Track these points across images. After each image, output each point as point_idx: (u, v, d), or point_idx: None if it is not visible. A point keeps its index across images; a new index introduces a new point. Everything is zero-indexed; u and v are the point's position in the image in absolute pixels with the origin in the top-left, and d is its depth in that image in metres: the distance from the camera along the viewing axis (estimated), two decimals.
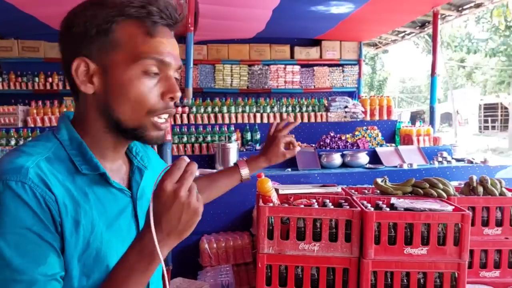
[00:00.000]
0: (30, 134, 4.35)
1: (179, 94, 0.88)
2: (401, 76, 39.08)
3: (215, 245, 3.21)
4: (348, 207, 1.80)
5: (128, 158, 1.01)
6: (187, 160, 0.77)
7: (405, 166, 3.82)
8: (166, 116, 0.89)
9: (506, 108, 23.30)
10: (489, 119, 26.76)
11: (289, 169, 3.88)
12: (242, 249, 3.26)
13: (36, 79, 5.83)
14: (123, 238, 0.89)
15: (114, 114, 0.85)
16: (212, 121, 4.58)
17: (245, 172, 1.48)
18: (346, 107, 4.84)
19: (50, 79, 5.88)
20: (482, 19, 16.45)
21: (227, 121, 4.62)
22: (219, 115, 4.63)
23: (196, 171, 0.76)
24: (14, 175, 0.75)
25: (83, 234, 0.81)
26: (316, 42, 6.56)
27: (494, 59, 18.35)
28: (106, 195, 0.89)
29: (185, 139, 4.24)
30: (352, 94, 6.41)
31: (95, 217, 0.84)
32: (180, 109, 4.53)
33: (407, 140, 4.54)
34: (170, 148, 2.62)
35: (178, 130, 4.26)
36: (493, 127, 26.31)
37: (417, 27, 6.53)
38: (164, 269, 0.84)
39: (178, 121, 4.48)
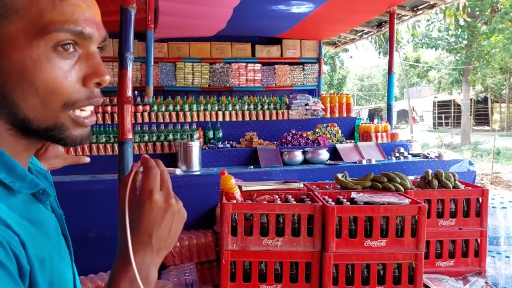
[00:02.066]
0: None
1: (107, 77, 0.64)
2: (359, 75, 40.08)
3: (178, 244, 3.19)
4: (310, 202, 1.83)
5: None
6: (147, 157, 0.67)
7: (364, 162, 3.93)
8: (90, 108, 0.66)
9: (458, 105, 24.38)
10: (443, 115, 27.92)
11: (252, 166, 3.90)
12: (206, 247, 3.26)
13: None
14: (67, 262, 0.70)
15: (19, 110, 0.60)
16: (174, 119, 4.53)
17: None
18: (307, 104, 4.92)
19: None
20: (433, 19, 17.18)
21: (189, 119, 4.58)
22: (181, 114, 4.59)
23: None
24: None
25: (50, 270, 0.62)
26: (277, 41, 6.61)
27: (449, 58, 19.17)
28: (46, 217, 0.67)
29: (146, 138, 4.17)
30: (312, 92, 6.51)
31: (48, 247, 0.64)
32: (141, 107, 4.45)
33: (366, 136, 4.67)
34: (131, 147, 2.57)
35: (139, 128, 4.19)
36: (447, 124, 27.48)
37: (375, 27, 6.71)
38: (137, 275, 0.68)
39: (139, 120, 4.40)
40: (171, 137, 4.22)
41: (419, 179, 2.28)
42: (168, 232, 0.65)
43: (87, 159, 1.27)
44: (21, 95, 0.59)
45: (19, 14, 0.57)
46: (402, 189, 2.03)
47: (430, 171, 2.20)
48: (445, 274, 2.06)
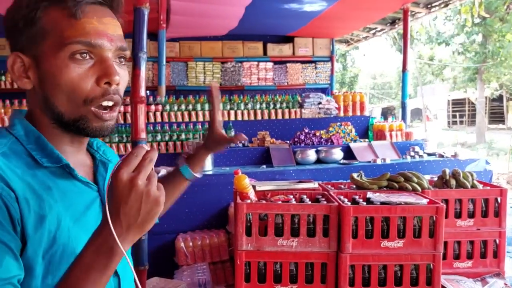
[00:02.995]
0: None
1: (116, 77, 0.80)
2: (372, 73, 39.78)
3: (191, 244, 3.18)
4: (325, 202, 1.80)
5: (90, 154, 0.97)
6: (146, 147, 0.72)
7: (379, 161, 3.88)
8: (109, 103, 0.82)
9: (473, 103, 24.04)
10: (457, 114, 27.56)
11: (264, 166, 3.88)
12: (219, 247, 3.24)
13: (3, 77, 5.62)
14: (86, 230, 0.82)
15: (54, 107, 0.81)
16: (186, 119, 4.53)
17: (185, 169, 1.26)
18: (320, 103, 4.88)
19: None
20: (449, 16, 16.92)
21: (201, 118, 4.57)
22: (193, 113, 4.58)
23: (155, 158, 0.71)
24: None
25: (48, 229, 0.76)
26: (289, 39, 6.58)
27: (462, 55, 18.89)
28: (71, 189, 0.84)
29: (158, 137, 4.18)
30: (325, 91, 6.46)
31: (61, 211, 0.79)
32: (153, 107, 4.46)
33: (380, 135, 4.61)
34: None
35: (151, 128, 4.19)
36: (461, 122, 27.12)
37: (388, 24, 6.64)
38: (133, 270, 0.76)
39: (152, 119, 4.41)
40: (183, 136, 4.22)
41: (436, 179, 2.23)
42: (137, 211, 0.69)
43: (243, 137, 1.35)
44: (54, 95, 0.79)
45: (49, 34, 0.78)
46: (419, 189, 1.99)
47: (447, 171, 2.15)
48: (463, 275, 2.02)
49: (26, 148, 0.81)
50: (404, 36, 5.31)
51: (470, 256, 2.04)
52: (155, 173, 0.71)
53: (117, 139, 4.10)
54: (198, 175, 1.27)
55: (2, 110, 4.48)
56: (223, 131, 1.30)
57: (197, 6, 4.67)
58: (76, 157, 0.89)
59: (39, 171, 0.80)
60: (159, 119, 4.45)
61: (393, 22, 6.56)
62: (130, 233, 0.70)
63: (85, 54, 0.78)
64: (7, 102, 4.59)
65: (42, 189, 0.78)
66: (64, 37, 0.77)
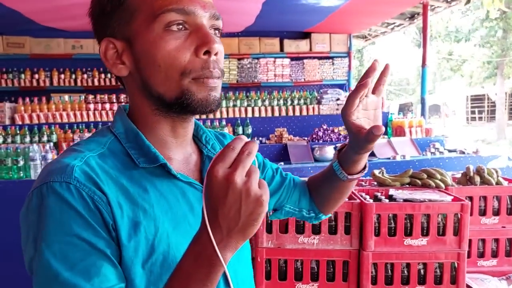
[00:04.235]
0: (18, 132, 4.27)
1: (215, 45, 0.71)
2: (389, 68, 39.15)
3: None
4: (347, 199, 1.78)
5: (199, 149, 0.88)
6: (245, 139, 0.61)
7: (398, 158, 3.83)
8: (209, 75, 0.73)
9: (492, 99, 23.56)
10: (476, 110, 27.06)
11: (282, 163, 3.87)
12: None
13: (22, 75, 5.71)
14: (187, 236, 0.71)
15: (153, 88, 0.73)
16: (203, 116, 4.53)
17: (336, 167, 1.00)
18: (338, 99, 4.83)
19: (36, 76, 5.76)
20: (468, 11, 16.60)
21: (218, 116, 4.58)
22: None
23: (255, 150, 0.60)
24: (58, 176, 0.66)
25: (145, 237, 0.69)
26: (306, 35, 6.52)
27: (482, 50, 18.53)
28: (171, 190, 0.76)
29: None
30: (342, 87, 6.40)
31: (158, 216, 0.72)
32: None
33: (399, 131, 4.55)
34: None
35: None
36: (480, 118, 26.62)
37: (407, 19, 6.53)
38: (229, 277, 0.66)
39: None
40: None
41: (458, 176, 2.18)
42: (237, 213, 0.59)
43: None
44: (151, 75, 0.72)
45: (139, 10, 0.72)
46: (442, 185, 1.95)
47: (471, 167, 2.10)
48: (488, 274, 1.97)
49: (124, 146, 0.76)
50: (424, 30, 5.22)
51: (495, 255, 1.99)
52: (257, 168, 0.61)
53: None
54: (350, 177, 0.98)
55: (22, 108, 4.56)
56: (359, 120, 0.90)
57: (213, 2, 4.65)
58: (180, 151, 0.82)
59: (136, 171, 0.74)
60: None
61: (412, 17, 6.45)
62: (232, 239, 0.60)
63: (180, 25, 0.71)
64: (27, 99, 4.66)
65: (138, 192, 0.71)
66: (155, 8, 0.71)
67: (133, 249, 0.68)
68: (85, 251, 0.63)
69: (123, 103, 4.57)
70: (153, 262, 0.69)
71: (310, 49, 6.48)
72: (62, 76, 5.79)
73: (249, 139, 0.62)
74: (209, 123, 4.30)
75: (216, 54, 0.73)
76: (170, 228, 0.72)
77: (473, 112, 27.39)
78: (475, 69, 22.08)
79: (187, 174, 0.80)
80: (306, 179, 1.13)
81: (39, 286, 0.63)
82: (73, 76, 5.84)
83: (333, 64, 6.56)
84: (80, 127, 4.25)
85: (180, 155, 0.82)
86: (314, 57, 6.47)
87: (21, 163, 3.15)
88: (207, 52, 0.72)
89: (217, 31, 0.77)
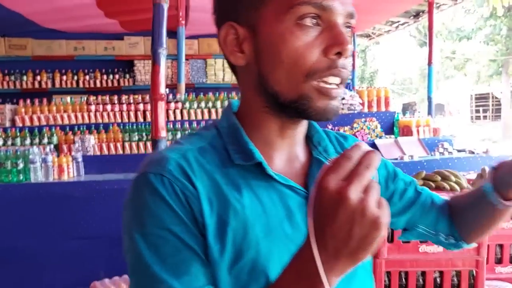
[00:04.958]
0: (18, 134, 4.21)
1: (349, 47, 0.64)
2: (392, 68, 39.21)
3: None
4: None
5: (309, 149, 0.78)
6: (365, 147, 0.52)
7: (406, 158, 3.73)
8: (335, 80, 0.66)
9: (497, 97, 23.41)
10: (481, 109, 26.91)
11: None
12: None
13: (24, 77, 5.67)
14: (292, 251, 0.61)
15: (269, 85, 0.67)
16: (206, 116, 4.47)
17: (488, 189, 0.82)
18: (343, 99, 4.75)
19: (38, 77, 5.72)
20: (471, 9, 16.48)
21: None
22: (213, 110, 4.51)
23: (377, 163, 0.51)
24: (154, 167, 0.65)
25: (233, 239, 0.63)
26: None
27: (488, 48, 18.40)
28: (268, 193, 0.68)
29: (178, 135, 4.12)
30: (346, 86, 6.31)
31: (250, 219, 0.65)
32: (172, 104, 4.40)
33: (406, 131, 4.46)
34: (166, 145, 2.50)
35: (171, 126, 4.14)
36: (485, 117, 26.46)
37: (412, 17, 6.45)
38: None
39: (171, 117, 4.36)
40: None
41: (473, 177, 2.10)
42: (348, 234, 0.50)
43: None
44: (271, 70, 0.66)
45: None
46: (457, 188, 1.87)
47: (487, 168, 2.02)
48: (506, 281, 1.89)
49: (225, 142, 0.71)
50: (429, 29, 5.13)
51: None
52: (377, 184, 0.51)
53: (137, 138, 4.06)
54: (508, 203, 0.81)
55: (23, 110, 4.49)
56: None
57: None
58: (286, 151, 0.74)
59: (232, 168, 0.68)
60: (178, 117, 4.40)
61: (417, 15, 6.36)
62: (339, 262, 0.52)
63: (314, 20, 0.64)
64: (28, 101, 4.60)
65: (230, 190, 0.66)
66: None
67: (219, 251, 0.63)
68: (176, 246, 0.61)
69: (125, 104, 4.55)
70: (240, 268, 0.64)
71: None
72: (64, 77, 5.75)
73: (370, 148, 0.52)
74: None
75: (346, 57, 0.66)
76: (261, 234, 0.65)
77: (477, 111, 27.23)
78: (480, 67, 21.95)
79: (291, 176, 0.72)
80: (447, 197, 0.98)
81: (131, 274, 0.64)
82: (75, 78, 5.79)
83: None
84: (81, 128, 4.18)
85: (285, 155, 0.74)
86: None
87: (21, 165, 3.08)
88: (338, 54, 0.64)
89: (348, 30, 0.70)
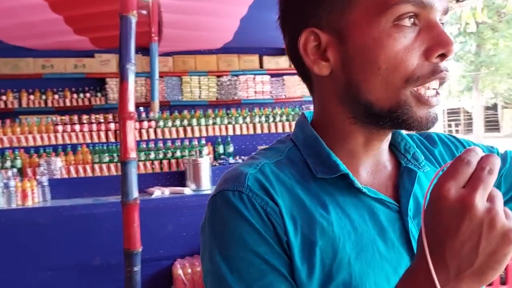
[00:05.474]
0: None
1: (453, 47, 0.57)
2: None
3: (190, 270, 2.96)
4: None
5: (396, 158, 0.72)
6: (480, 151, 0.46)
7: None
8: (435, 85, 0.60)
9: (468, 112, 24.03)
10: (453, 123, 27.58)
11: None
12: None
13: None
14: (387, 272, 0.60)
15: (361, 95, 0.60)
16: (181, 135, 4.32)
17: None
18: None
19: (4, 97, 5.46)
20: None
21: (197, 134, 4.38)
22: (189, 129, 4.38)
23: (498, 167, 0.45)
24: (232, 184, 0.60)
25: (321, 260, 0.58)
26: (285, 51, 6.42)
27: (458, 64, 18.94)
28: (356, 208, 0.62)
29: (152, 155, 3.96)
30: None
31: (339, 237, 0.59)
32: (146, 123, 4.24)
33: None
34: (135, 167, 2.34)
35: (144, 146, 3.97)
36: (457, 131, 27.11)
37: None
38: None
39: (144, 137, 4.19)
40: (178, 154, 4.01)
41: None
42: (473, 249, 0.43)
43: None
44: (364, 78, 0.59)
45: None
46: None
47: None
48: None
49: (303, 154, 0.66)
50: None
51: None
52: (499, 192, 0.45)
53: (107, 159, 3.87)
54: None
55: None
56: None
57: (190, 19, 4.51)
58: (372, 162, 0.68)
59: (314, 182, 0.63)
60: (152, 136, 4.24)
61: None
62: (461, 284, 0.45)
63: (412, 19, 0.57)
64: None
65: (315, 206, 0.60)
66: None
67: (306, 273, 0.57)
68: (261, 269, 0.57)
69: (95, 123, 4.37)
70: None
71: (290, 65, 6.36)
72: (32, 97, 5.51)
73: (487, 153, 0.46)
74: (187, 143, 4.09)
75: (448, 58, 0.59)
76: (352, 253, 0.59)
77: (449, 125, 27.91)
78: (451, 83, 22.56)
79: (379, 189, 0.66)
80: None
81: None
82: (43, 97, 5.55)
83: None
84: (47, 150, 3.97)
85: (370, 166, 0.68)
86: (294, 74, 6.33)
87: None
88: (441, 56, 0.57)
89: (442, 25, 0.61)
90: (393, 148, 0.72)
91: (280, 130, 4.62)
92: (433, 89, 0.59)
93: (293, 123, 4.60)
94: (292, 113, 4.74)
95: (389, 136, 0.68)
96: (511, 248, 0.43)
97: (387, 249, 0.61)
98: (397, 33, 0.57)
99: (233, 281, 0.56)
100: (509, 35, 14.97)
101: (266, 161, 0.64)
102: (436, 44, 0.57)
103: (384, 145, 0.68)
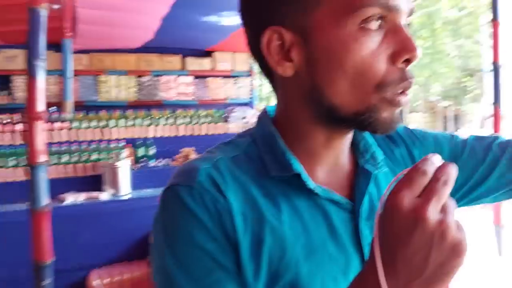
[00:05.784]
0: None
1: (417, 53, 0.56)
2: None
3: (108, 280, 2.82)
4: None
5: (354, 157, 0.70)
6: (437, 160, 0.46)
7: None
8: (403, 89, 0.58)
9: None
10: None
11: None
12: (142, 281, 2.93)
13: None
14: (336, 274, 0.60)
15: (326, 98, 0.59)
16: (98, 136, 4.10)
17: None
18: (244, 117, 4.73)
19: None
20: None
21: (115, 136, 4.17)
22: (106, 130, 4.16)
23: (454, 178, 0.45)
24: (183, 178, 0.60)
25: (268, 260, 0.57)
26: (208, 53, 6.40)
27: None
28: (309, 208, 0.61)
29: (65, 159, 3.70)
30: (247, 105, 6.35)
31: (288, 238, 0.59)
32: (58, 124, 3.96)
33: None
34: (45, 171, 2.16)
35: (56, 149, 3.70)
36: None
37: None
38: None
39: (57, 139, 3.90)
40: (95, 157, 3.78)
41: None
42: (423, 260, 0.44)
43: None
44: (329, 81, 0.58)
45: None
46: None
47: None
48: None
49: (261, 151, 0.64)
50: None
51: None
52: (454, 202, 0.45)
53: (13, 163, 3.55)
54: None
55: None
56: None
57: (107, 15, 4.30)
58: (332, 162, 0.66)
59: (269, 181, 0.62)
60: (66, 138, 3.97)
61: None
62: None
63: (378, 21, 0.56)
64: None
65: (267, 205, 0.60)
66: None
67: (253, 273, 0.57)
68: (209, 266, 0.56)
69: None
70: None
71: (213, 67, 6.36)
72: None
73: (444, 162, 0.46)
74: (104, 145, 3.88)
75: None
76: (301, 255, 0.59)
77: None
78: None
79: (335, 189, 0.64)
80: None
81: None
82: None
83: (236, 82, 6.50)
84: None
85: (328, 165, 0.67)
86: (217, 76, 6.35)
87: None
88: (406, 61, 0.57)
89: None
90: (354, 147, 0.71)
91: (204, 132, 4.58)
92: (401, 92, 0.58)
93: (218, 125, 4.59)
94: (217, 115, 4.72)
95: (350, 135, 0.68)
96: (460, 260, 0.44)
97: (337, 250, 0.61)
98: (363, 37, 0.55)
99: (181, 278, 0.56)
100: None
101: (222, 156, 0.63)
102: (402, 49, 0.56)
103: (345, 144, 0.68)
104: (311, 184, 0.61)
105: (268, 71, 0.66)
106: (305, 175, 0.61)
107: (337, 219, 0.63)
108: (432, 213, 0.43)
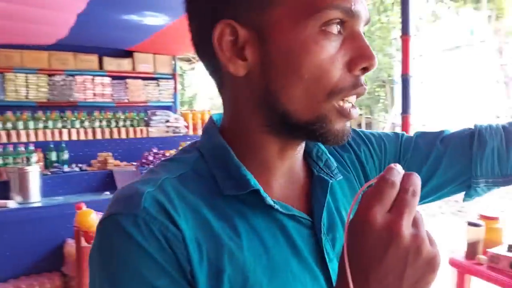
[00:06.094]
0: None
1: (375, 61, 0.54)
2: (209, 93, 41.17)
3: None
4: None
5: (308, 165, 0.67)
6: (401, 169, 0.45)
7: None
8: (353, 99, 0.57)
9: None
10: None
11: (107, 192, 3.46)
12: None
13: None
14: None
15: (280, 102, 0.55)
16: (4, 139, 3.77)
17: None
18: (167, 121, 4.62)
19: None
20: None
21: (24, 139, 3.86)
22: (13, 133, 3.85)
23: (420, 187, 0.44)
24: (125, 206, 0.52)
25: (240, 285, 0.52)
26: (128, 54, 6.16)
27: None
28: (268, 226, 0.57)
29: None
30: (169, 109, 6.22)
31: (249, 262, 0.54)
32: None
33: None
34: None
35: None
36: None
37: None
38: None
39: None
40: (0, 161, 3.47)
41: None
42: (398, 278, 0.42)
43: None
44: (284, 86, 0.55)
45: None
46: None
47: None
48: None
49: (210, 166, 0.58)
50: None
51: None
52: (421, 216, 0.44)
53: None
54: None
55: None
56: None
57: (16, 8, 3.98)
58: (287, 173, 0.62)
59: (222, 199, 0.56)
60: None
61: None
62: None
63: (338, 26, 0.54)
64: None
65: (222, 228, 0.54)
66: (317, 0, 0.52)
67: None
68: None
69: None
70: None
71: (133, 68, 6.13)
72: None
73: (406, 172, 0.45)
74: (11, 149, 3.56)
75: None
76: (264, 278, 0.54)
77: None
78: None
79: (292, 202, 0.61)
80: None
81: None
82: None
83: (158, 85, 6.34)
84: None
85: (283, 177, 0.62)
86: (137, 77, 6.15)
87: None
88: (363, 69, 0.55)
89: None
90: (306, 155, 0.67)
91: (123, 135, 4.39)
92: (352, 102, 0.57)
93: (138, 129, 4.44)
94: (137, 118, 4.56)
95: (303, 144, 0.64)
96: (434, 275, 0.44)
97: (300, 269, 0.58)
98: (324, 40, 0.53)
99: None
100: None
101: (167, 176, 0.56)
102: (359, 57, 0.54)
103: (299, 153, 0.64)
104: (269, 200, 0.57)
105: (215, 69, 0.60)
106: (263, 191, 0.57)
107: (297, 236, 0.59)
108: (406, 228, 0.42)
